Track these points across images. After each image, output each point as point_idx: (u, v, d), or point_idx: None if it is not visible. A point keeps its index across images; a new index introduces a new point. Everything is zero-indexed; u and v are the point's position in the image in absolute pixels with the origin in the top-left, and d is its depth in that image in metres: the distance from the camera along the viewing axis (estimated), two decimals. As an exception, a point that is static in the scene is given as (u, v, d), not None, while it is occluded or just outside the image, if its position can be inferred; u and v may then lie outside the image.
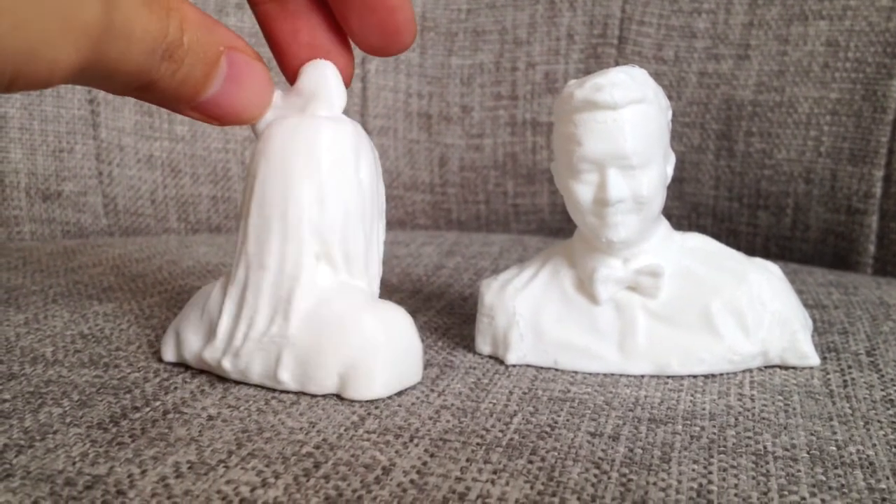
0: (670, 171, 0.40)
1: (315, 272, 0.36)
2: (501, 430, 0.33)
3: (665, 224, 0.41)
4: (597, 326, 0.40)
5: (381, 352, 0.36)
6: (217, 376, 0.38)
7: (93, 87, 0.32)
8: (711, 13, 0.71)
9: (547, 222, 0.78)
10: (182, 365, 0.40)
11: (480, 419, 0.34)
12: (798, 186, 0.68)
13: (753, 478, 0.30)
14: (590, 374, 0.39)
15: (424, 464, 0.30)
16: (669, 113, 0.40)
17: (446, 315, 0.48)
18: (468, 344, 0.43)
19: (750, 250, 0.71)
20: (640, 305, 0.39)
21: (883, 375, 0.39)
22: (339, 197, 0.36)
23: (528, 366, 0.40)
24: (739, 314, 0.39)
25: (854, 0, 0.66)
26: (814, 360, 0.40)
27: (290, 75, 0.38)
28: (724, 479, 0.29)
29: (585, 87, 0.37)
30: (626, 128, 0.37)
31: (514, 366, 0.40)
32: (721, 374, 0.39)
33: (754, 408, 0.35)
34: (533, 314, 0.40)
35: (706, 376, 0.39)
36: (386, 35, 0.36)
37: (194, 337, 0.38)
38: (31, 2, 0.26)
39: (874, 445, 0.32)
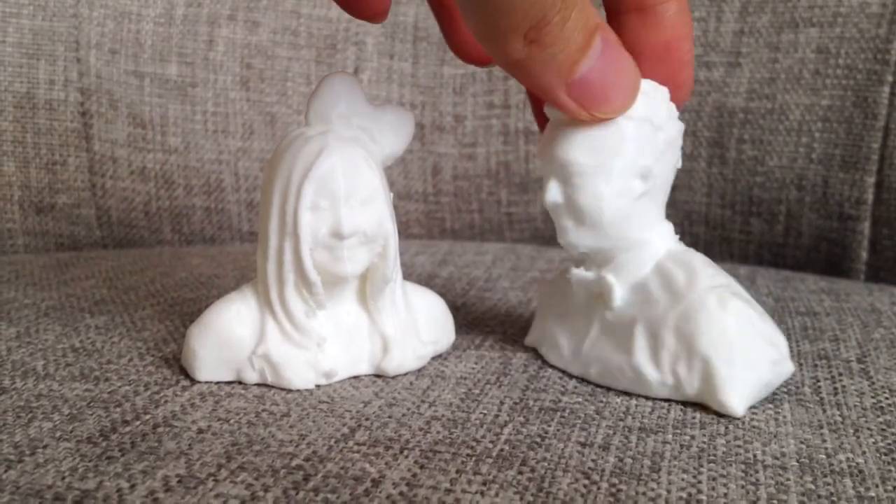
0: (640, 185, 0.38)
1: None
2: (492, 441, 0.33)
3: (657, 238, 0.39)
4: (570, 325, 0.41)
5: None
6: (208, 390, 0.38)
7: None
8: (702, 21, 0.71)
9: (541, 231, 0.78)
10: (173, 378, 0.40)
11: (471, 430, 0.34)
12: (790, 193, 0.68)
13: (743, 486, 0.30)
14: (580, 382, 0.39)
15: (414, 476, 0.30)
16: (667, 129, 0.38)
17: (438, 325, 0.48)
18: (459, 354, 0.43)
19: (743, 257, 0.71)
20: (600, 313, 0.39)
21: (874, 382, 0.39)
22: None
23: (524, 370, 0.40)
24: (659, 343, 0.37)
25: (844, 7, 0.66)
26: (735, 411, 0.35)
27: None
28: (713, 489, 0.29)
29: None
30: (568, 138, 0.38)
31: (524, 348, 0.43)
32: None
33: (744, 416, 0.35)
34: (548, 303, 0.43)
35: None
36: (669, 87, 0.36)
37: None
38: None
39: (864, 453, 0.32)
